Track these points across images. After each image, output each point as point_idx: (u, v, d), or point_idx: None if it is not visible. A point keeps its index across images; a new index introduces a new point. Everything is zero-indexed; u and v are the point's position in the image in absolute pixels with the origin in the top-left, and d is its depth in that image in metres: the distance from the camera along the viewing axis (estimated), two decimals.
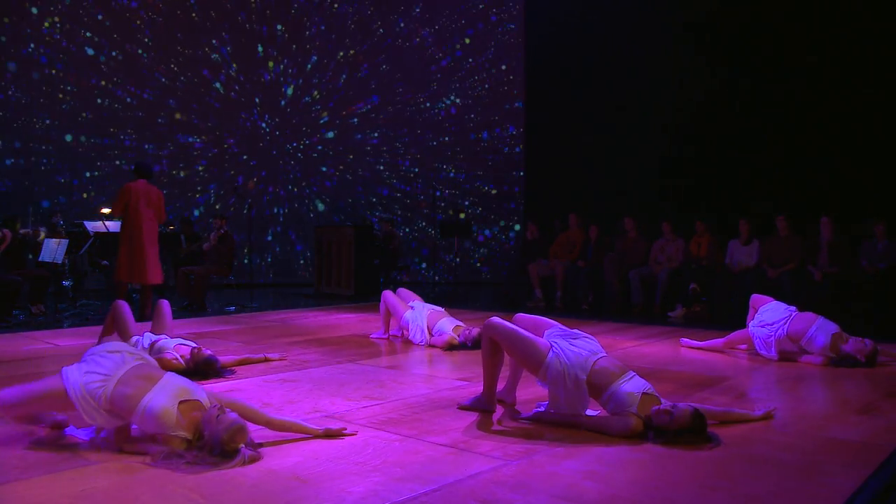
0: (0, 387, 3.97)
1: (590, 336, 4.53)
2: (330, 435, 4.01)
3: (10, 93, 13.37)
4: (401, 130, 15.69)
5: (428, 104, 15.64)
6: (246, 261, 13.63)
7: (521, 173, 14.92)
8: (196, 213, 14.83)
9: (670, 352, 6.84)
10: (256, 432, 3.86)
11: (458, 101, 15.50)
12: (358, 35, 16.02)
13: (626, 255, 10.86)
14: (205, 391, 3.91)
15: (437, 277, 15.07)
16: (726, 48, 11.54)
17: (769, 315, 6.46)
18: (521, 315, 5.01)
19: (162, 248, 9.80)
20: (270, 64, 15.73)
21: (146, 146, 14.69)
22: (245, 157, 15.56)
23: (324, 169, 16.03)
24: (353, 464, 3.60)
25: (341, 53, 16.00)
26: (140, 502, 3.10)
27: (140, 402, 3.66)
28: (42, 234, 10.11)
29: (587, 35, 12.99)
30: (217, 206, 14.87)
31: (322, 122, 15.97)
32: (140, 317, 9.15)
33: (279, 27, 15.76)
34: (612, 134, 12.50)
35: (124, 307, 6.13)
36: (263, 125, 15.65)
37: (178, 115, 15.10)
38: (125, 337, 5.84)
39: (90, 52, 14.20)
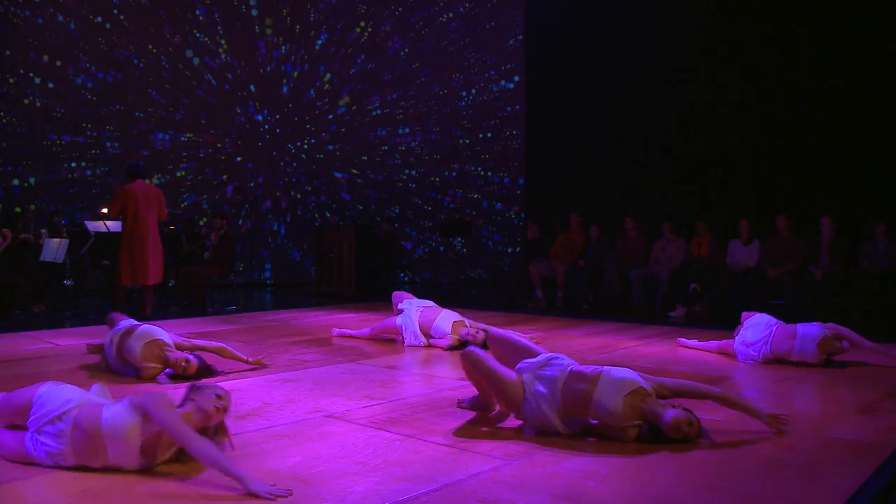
0: (0, 387, 3.98)
1: (559, 356, 4.26)
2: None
3: None
4: (403, 129, 15.62)
5: (433, 102, 15.58)
6: (241, 268, 13.71)
7: (522, 173, 14.91)
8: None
9: (671, 352, 6.84)
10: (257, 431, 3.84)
11: (457, 99, 15.47)
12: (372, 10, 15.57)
13: (626, 255, 10.86)
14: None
15: (438, 277, 15.07)
16: (729, 49, 11.53)
17: (751, 334, 6.35)
18: (495, 332, 4.90)
19: (163, 248, 9.80)
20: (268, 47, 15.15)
21: (108, 144, 13.79)
22: (240, 158, 15.13)
23: (338, 175, 15.70)
24: (354, 463, 3.61)
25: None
26: (140, 501, 3.11)
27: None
28: (44, 235, 10.11)
29: (589, 34, 12.99)
30: (202, 222, 14.07)
31: (330, 117, 15.65)
32: (141, 317, 9.16)
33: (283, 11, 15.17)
34: (613, 134, 12.50)
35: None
36: (259, 118, 15.26)
37: (152, 109, 14.33)
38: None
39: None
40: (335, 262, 12.52)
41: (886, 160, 10.25)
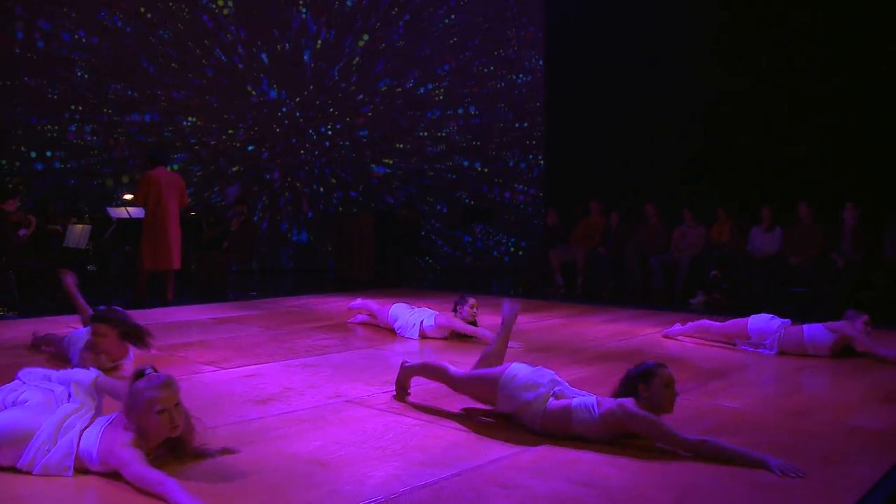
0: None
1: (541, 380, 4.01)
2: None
3: None
4: (421, 112, 15.52)
5: (447, 83, 15.48)
6: (256, 265, 13.66)
7: (542, 159, 14.85)
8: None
9: (690, 340, 6.81)
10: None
11: (477, 85, 15.39)
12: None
13: (647, 242, 10.82)
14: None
15: (457, 263, 15.06)
16: (754, 31, 11.41)
17: (762, 324, 6.18)
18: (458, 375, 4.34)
19: (183, 234, 9.86)
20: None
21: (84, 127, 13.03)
22: (252, 147, 14.78)
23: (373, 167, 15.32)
24: (374, 448, 3.63)
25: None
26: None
27: None
28: (72, 223, 10.22)
29: (610, 19, 12.90)
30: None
31: (359, 98, 15.34)
32: (163, 301, 9.25)
33: None
34: (633, 120, 12.43)
35: None
36: (272, 93, 14.80)
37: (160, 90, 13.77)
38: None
39: None
40: (354, 248, 12.54)
41: None
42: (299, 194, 15.10)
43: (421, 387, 4.83)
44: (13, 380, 3.66)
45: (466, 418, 4.16)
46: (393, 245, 12.65)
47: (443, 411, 4.29)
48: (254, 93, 14.80)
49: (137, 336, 5.15)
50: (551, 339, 6.89)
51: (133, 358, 5.23)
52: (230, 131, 14.65)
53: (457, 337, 6.74)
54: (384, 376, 5.19)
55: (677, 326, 6.82)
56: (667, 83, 12.05)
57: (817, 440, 3.81)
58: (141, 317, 8.08)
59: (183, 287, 10.32)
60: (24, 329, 6.91)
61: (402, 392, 4.57)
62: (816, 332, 5.95)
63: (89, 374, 3.58)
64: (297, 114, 15.12)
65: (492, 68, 15.28)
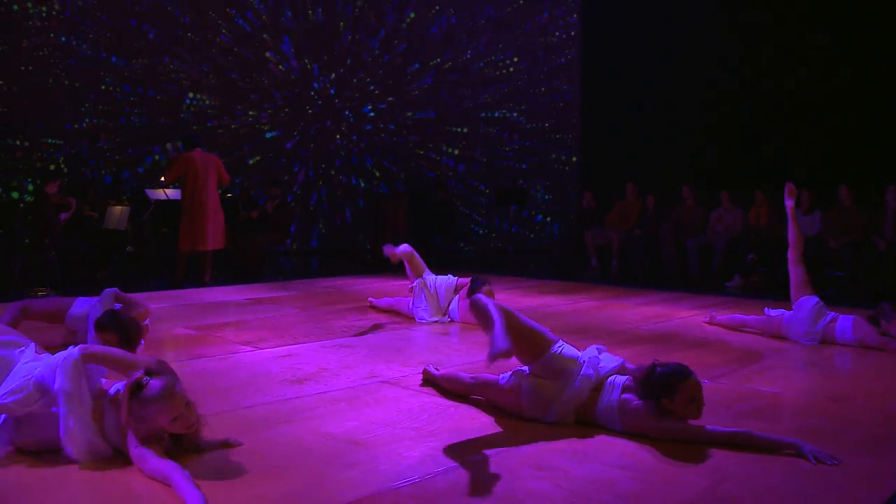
0: None
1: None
2: None
3: None
4: (459, 92, 15.43)
5: (482, 66, 15.37)
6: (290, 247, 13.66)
7: (578, 141, 14.73)
8: None
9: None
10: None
11: (513, 67, 15.28)
12: None
13: (683, 225, 10.73)
14: None
15: (491, 245, 15.04)
16: (795, 11, 11.22)
17: (805, 315, 5.91)
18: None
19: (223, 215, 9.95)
20: None
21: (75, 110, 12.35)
22: (278, 132, 14.49)
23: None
24: (409, 429, 3.65)
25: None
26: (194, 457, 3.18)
27: None
28: (111, 205, 10.35)
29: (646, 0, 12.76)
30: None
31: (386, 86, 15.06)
32: (200, 282, 9.35)
33: None
34: (671, 101, 12.29)
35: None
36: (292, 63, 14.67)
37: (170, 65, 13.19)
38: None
39: None
40: (389, 230, 12.57)
41: None
42: (334, 185, 14.95)
43: (454, 367, 4.84)
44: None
45: None
46: (427, 227, 12.67)
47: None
48: (281, 67, 14.40)
49: (130, 338, 5.04)
50: (586, 321, 6.87)
51: (143, 345, 5.13)
52: (251, 113, 14.23)
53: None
54: (420, 357, 5.22)
55: (722, 317, 6.64)
56: (705, 63, 11.90)
57: (857, 426, 3.77)
58: (178, 297, 8.25)
59: (219, 268, 10.42)
60: None
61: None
62: (846, 332, 5.73)
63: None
64: (332, 91, 14.89)
65: (528, 48, 15.16)
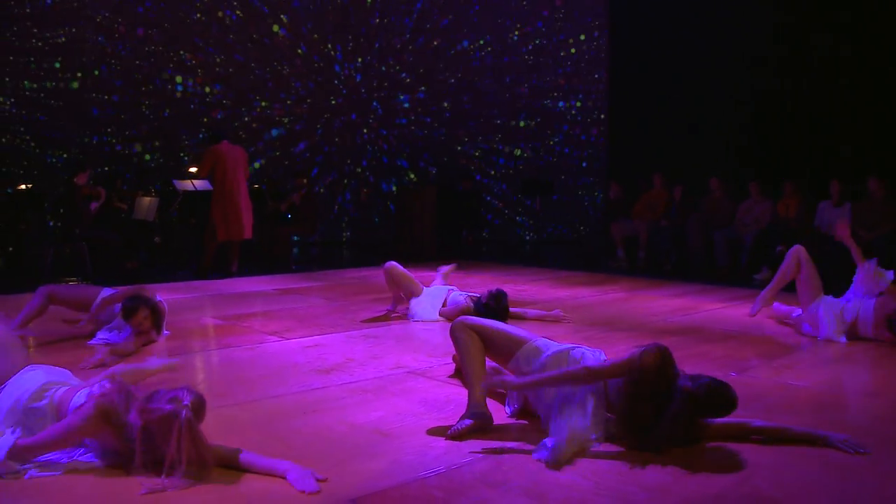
0: None
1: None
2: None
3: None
4: (482, 82, 15.34)
5: (506, 59, 15.28)
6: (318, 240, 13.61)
7: (605, 131, 14.64)
8: None
9: (755, 316, 6.69)
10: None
11: (539, 57, 15.19)
12: None
13: (711, 216, 10.64)
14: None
15: (518, 236, 15.00)
16: (819, 5, 11.08)
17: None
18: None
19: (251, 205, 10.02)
20: None
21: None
22: (300, 125, 14.11)
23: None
24: (435, 419, 3.66)
25: None
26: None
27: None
28: (139, 194, 10.43)
29: None
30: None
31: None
32: (228, 273, 9.41)
33: None
34: (698, 91, 12.17)
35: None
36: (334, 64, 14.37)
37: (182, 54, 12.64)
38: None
39: None
40: (416, 221, 12.58)
41: None
42: (361, 180, 14.70)
43: None
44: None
45: None
46: (453, 218, 12.67)
47: None
48: (298, 52, 13.96)
49: (158, 315, 5.19)
50: (613, 313, 6.84)
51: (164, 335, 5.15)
52: (263, 104, 13.75)
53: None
54: (445, 348, 5.22)
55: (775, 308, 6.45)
56: (734, 54, 11.77)
57: (890, 422, 3.72)
58: (206, 287, 8.31)
59: (247, 259, 10.49)
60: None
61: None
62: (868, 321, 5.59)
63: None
64: (358, 77, 14.60)
65: (553, 39, 15.06)
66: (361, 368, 4.67)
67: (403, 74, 14.88)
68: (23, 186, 10.86)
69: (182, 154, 12.86)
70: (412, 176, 15.01)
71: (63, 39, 11.80)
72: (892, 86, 10.41)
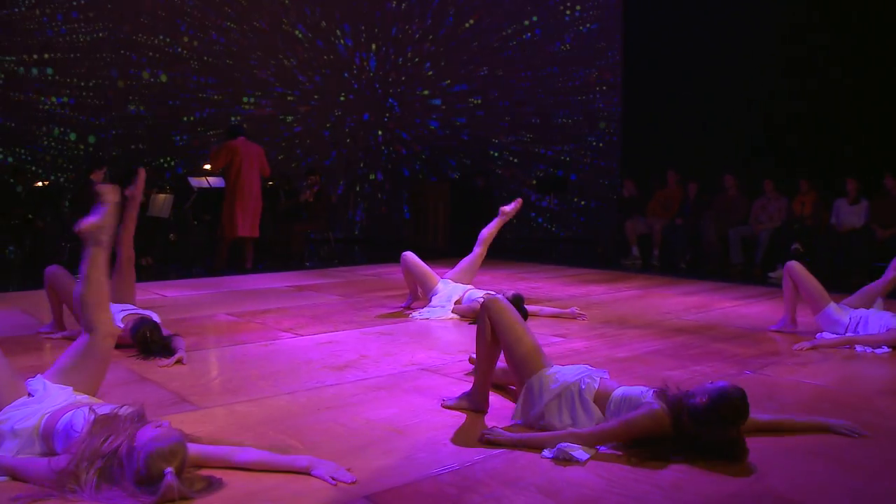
0: None
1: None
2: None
3: None
4: (496, 77, 15.27)
5: (519, 56, 15.21)
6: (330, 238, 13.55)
7: (618, 129, 14.58)
8: None
9: (770, 313, 6.67)
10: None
11: (553, 52, 15.12)
12: None
13: (725, 214, 10.60)
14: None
15: (532, 233, 14.97)
16: (834, 3, 11.00)
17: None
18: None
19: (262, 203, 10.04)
20: None
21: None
22: (311, 122, 13.81)
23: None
24: (450, 416, 3.66)
25: None
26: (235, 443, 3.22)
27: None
28: (154, 192, 10.48)
29: None
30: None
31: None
32: (242, 269, 9.44)
33: None
34: (712, 88, 12.11)
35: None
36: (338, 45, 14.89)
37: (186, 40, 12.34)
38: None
39: None
40: (430, 217, 12.60)
41: None
42: (375, 178, 14.48)
43: None
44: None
45: None
46: (467, 214, 12.65)
47: None
48: (305, 44, 13.54)
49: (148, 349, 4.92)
50: (626, 310, 6.83)
51: (184, 347, 4.93)
52: (253, 98, 13.18)
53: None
54: (459, 345, 5.23)
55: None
56: (747, 50, 11.71)
57: None
58: (220, 284, 8.35)
59: (261, 256, 10.53)
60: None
61: None
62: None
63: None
64: (372, 65, 14.22)
65: (567, 33, 15.00)
66: (375, 365, 4.68)
67: (431, 72, 14.57)
68: (39, 183, 10.93)
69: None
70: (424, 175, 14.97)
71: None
72: None
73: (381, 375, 4.44)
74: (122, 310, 5.25)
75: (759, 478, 2.95)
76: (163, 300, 7.23)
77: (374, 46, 14.29)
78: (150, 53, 12.21)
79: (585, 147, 14.91)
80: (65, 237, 9.62)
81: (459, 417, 3.64)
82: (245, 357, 4.94)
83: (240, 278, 8.93)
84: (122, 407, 2.94)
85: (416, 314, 6.40)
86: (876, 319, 5.35)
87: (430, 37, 14.36)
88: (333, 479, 2.85)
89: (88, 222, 3.37)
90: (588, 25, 14.78)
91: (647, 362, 4.83)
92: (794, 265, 5.76)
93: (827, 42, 10.96)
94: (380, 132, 14.52)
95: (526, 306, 6.30)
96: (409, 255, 6.71)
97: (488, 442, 3.24)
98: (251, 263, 9.65)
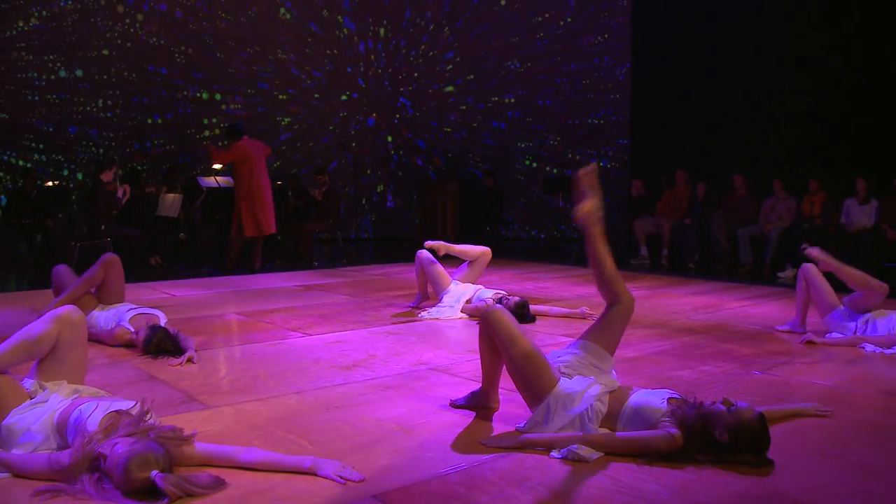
0: None
1: (574, 347, 3.66)
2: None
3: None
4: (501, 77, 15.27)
5: (532, 53, 15.19)
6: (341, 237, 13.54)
7: (627, 128, 14.56)
8: None
9: (779, 313, 6.65)
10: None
11: (563, 50, 15.09)
12: None
13: (734, 214, 10.57)
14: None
15: (540, 233, 14.97)
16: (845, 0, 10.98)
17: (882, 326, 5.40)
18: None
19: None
20: None
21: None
22: (313, 123, 13.58)
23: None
24: (458, 416, 3.66)
25: None
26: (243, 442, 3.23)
27: None
28: (163, 191, 10.51)
29: None
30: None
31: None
32: (251, 269, 9.46)
33: None
34: (721, 87, 12.09)
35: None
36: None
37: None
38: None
39: None
40: (438, 217, 12.60)
41: None
42: (384, 177, 14.26)
43: None
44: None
45: None
46: (476, 214, 12.67)
47: None
48: (308, 37, 13.23)
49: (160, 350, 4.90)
50: (636, 311, 6.76)
51: (193, 347, 4.93)
52: (276, 94, 13.13)
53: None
54: (468, 345, 5.22)
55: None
56: (757, 49, 11.68)
57: None
58: (229, 283, 8.37)
59: (269, 255, 10.54)
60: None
61: None
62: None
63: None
64: (379, 57, 13.92)
65: (576, 32, 14.98)
66: (383, 365, 4.69)
67: (450, 68, 14.36)
68: (49, 183, 10.98)
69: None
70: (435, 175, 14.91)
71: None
72: None
73: (390, 375, 4.45)
74: (129, 309, 5.27)
75: (768, 478, 2.95)
76: (172, 299, 7.25)
77: (381, 32, 13.88)
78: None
79: (594, 146, 14.86)
80: (74, 237, 9.66)
81: (468, 417, 3.64)
82: (253, 356, 4.95)
83: (248, 278, 8.95)
84: (130, 403, 2.99)
85: (424, 314, 6.42)
86: (884, 322, 5.34)
87: (458, 24, 13.81)
88: (341, 477, 2.86)
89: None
90: (598, 25, 14.73)
91: (656, 362, 4.83)
92: (810, 267, 5.77)
93: (837, 41, 10.92)
94: (389, 139, 14.16)
95: (535, 306, 6.34)
96: (425, 254, 6.74)
97: (492, 448, 3.23)
98: (260, 263, 9.66)
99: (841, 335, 5.45)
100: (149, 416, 2.92)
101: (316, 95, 13.58)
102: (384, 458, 3.10)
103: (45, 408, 3.09)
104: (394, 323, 6.12)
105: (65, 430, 3.00)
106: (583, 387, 3.36)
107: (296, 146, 13.49)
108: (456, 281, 6.73)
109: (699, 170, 11.35)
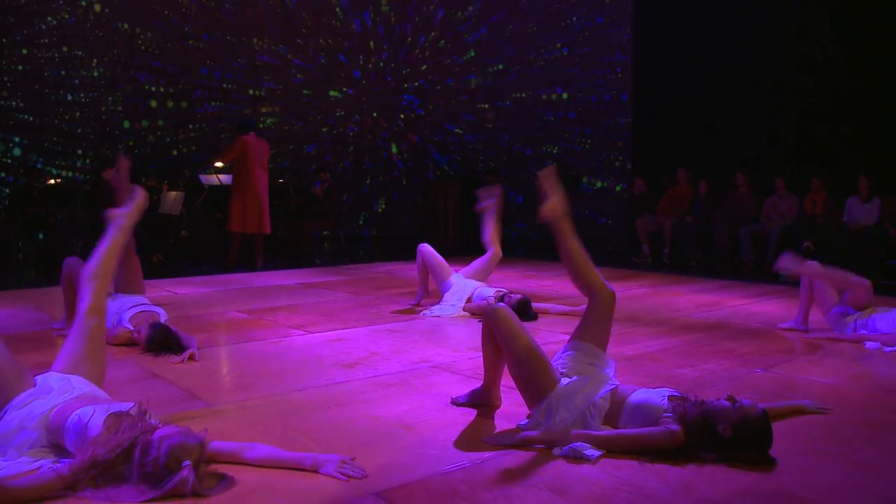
0: None
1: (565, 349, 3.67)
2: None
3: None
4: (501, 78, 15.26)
5: (533, 54, 15.20)
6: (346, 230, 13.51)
7: (629, 126, 14.53)
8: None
9: (781, 311, 6.65)
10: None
11: (563, 50, 15.09)
12: None
13: (736, 212, 10.57)
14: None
15: (541, 231, 14.94)
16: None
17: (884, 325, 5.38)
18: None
19: (272, 200, 10.05)
20: None
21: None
22: (307, 126, 14.19)
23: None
24: (460, 414, 3.66)
25: None
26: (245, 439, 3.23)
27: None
28: (165, 188, 10.51)
29: None
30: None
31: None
32: (252, 267, 9.47)
33: None
34: (723, 86, 12.07)
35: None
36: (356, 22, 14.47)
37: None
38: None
39: None
40: (440, 215, 12.60)
41: None
42: (386, 175, 14.13)
43: None
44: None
45: None
46: (478, 212, 12.63)
47: None
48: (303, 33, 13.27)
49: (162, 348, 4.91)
50: (636, 308, 6.82)
51: (196, 345, 4.91)
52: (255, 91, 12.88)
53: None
54: (470, 343, 5.23)
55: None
56: (759, 47, 11.66)
57: None
58: (231, 281, 8.37)
59: (271, 253, 10.54)
60: None
61: None
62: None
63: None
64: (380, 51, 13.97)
65: (577, 29, 14.96)
66: (385, 363, 4.69)
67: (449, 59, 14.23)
68: (52, 181, 10.99)
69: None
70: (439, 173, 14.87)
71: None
72: None
73: (392, 373, 4.45)
74: (133, 306, 5.28)
75: (770, 476, 2.95)
76: (174, 297, 7.26)
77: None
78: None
79: (596, 145, 14.84)
80: (77, 234, 9.66)
81: (470, 414, 3.65)
82: (256, 354, 4.95)
83: (250, 275, 8.96)
84: (128, 405, 2.96)
85: (426, 312, 6.42)
86: (885, 319, 5.34)
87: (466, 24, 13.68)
88: (343, 474, 2.85)
89: (118, 211, 3.68)
90: (598, 23, 14.71)
91: (657, 360, 4.83)
92: (814, 265, 5.77)
93: (839, 39, 10.91)
94: (394, 148, 13.99)
95: (537, 304, 6.34)
96: (426, 247, 6.81)
97: (494, 445, 3.24)
98: (262, 262, 9.66)
99: (840, 332, 5.47)
100: (147, 416, 2.92)
101: (306, 91, 13.44)
102: (386, 456, 3.10)
103: (43, 402, 3.06)
104: (396, 320, 6.13)
105: (61, 433, 2.95)
106: (584, 385, 3.38)
107: (290, 148, 13.46)
108: (458, 273, 6.74)
109: (701, 168, 11.34)
